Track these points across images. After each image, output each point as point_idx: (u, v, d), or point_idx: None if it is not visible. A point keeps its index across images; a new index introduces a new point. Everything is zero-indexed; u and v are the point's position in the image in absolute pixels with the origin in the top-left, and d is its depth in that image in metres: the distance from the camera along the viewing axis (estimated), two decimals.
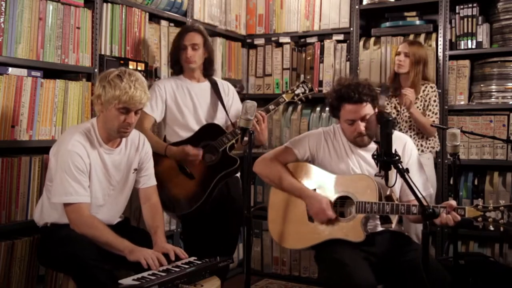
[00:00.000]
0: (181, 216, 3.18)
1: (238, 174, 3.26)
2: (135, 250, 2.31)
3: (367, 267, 2.36)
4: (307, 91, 3.20)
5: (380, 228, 2.58)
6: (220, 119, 3.22)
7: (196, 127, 3.12)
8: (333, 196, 2.56)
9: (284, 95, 3.15)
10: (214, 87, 3.24)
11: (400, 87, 3.48)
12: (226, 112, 3.22)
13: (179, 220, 3.46)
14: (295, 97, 3.17)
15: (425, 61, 3.47)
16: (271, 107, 3.09)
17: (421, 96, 3.43)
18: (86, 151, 2.41)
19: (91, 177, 2.43)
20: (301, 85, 3.20)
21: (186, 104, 3.15)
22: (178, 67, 3.21)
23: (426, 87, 3.45)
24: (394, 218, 2.58)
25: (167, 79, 3.28)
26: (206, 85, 3.24)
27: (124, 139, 2.56)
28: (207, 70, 3.25)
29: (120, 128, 2.43)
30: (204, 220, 3.11)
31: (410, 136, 3.37)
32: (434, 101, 3.43)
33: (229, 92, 3.31)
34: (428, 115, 3.40)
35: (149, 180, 2.71)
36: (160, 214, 2.68)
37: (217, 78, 3.35)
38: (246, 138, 2.48)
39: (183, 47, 3.13)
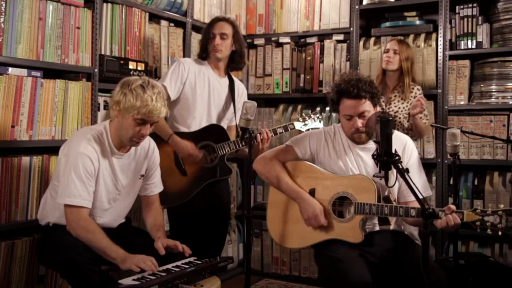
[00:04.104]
0: (168, 210, 3.19)
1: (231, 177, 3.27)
2: (127, 259, 2.29)
3: (362, 264, 2.35)
4: (316, 125, 3.24)
5: (378, 228, 2.58)
6: (227, 118, 3.23)
7: (202, 118, 3.12)
8: (331, 196, 2.56)
9: (294, 123, 3.19)
10: (231, 85, 3.25)
11: (386, 86, 3.48)
12: (235, 112, 3.22)
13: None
14: (303, 127, 3.21)
15: (412, 61, 3.48)
16: (279, 130, 3.12)
17: (408, 97, 3.44)
18: (97, 154, 2.40)
19: (98, 181, 2.43)
20: (313, 117, 3.23)
21: (202, 94, 3.14)
22: (205, 54, 3.20)
23: (413, 88, 3.47)
24: (392, 220, 2.58)
25: (192, 60, 3.24)
26: (225, 81, 3.25)
27: None
28: (236, 62, 3.24)
29: (133, 138, 2.42)
30: (192, 218, 3.12)
31: None
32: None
33: (242, 95, 3.33)
34: (421, 118, 3.37)
35: (156, 187, 2.72)
36: (162, 217, 2.70)
37: (235, 78, 3.35)
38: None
39: (212, 35, 3.14)
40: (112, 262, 2.32)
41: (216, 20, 3.19)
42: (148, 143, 2.65)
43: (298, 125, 3.20)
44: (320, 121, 3.25)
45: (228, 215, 3.39)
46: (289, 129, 3.16)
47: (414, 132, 3.38)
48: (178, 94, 3.10)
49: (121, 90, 2.39)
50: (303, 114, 3.29)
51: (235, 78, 3.32)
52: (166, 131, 3.00)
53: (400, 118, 3.42)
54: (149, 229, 2.64)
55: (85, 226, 2.34)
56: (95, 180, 2.41)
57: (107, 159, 2.46)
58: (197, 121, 3.12)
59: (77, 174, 2.34)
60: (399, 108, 3.44)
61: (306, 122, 3.21)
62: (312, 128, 3.20)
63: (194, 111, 3.11)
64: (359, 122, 2.55)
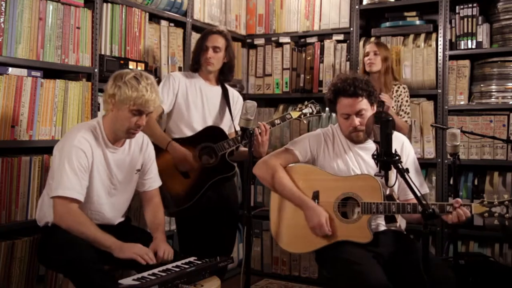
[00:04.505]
0: (173, 214, 3.19)
1: (236, 178, 3.26)
2: (124, 247, 2.31)
3: (378, 266, 2.35)
4: (314, 112, 3.20)
5: (382, 228, 2.58)
6: (225, 125, 3.23)
7: (199, 128, 3.12)
8: (337, 197, 2.54)
9: (291, 112, 3.16)
10: (225, 93, 3.25)
11: None
12: (232, 119, 3.22)
13: (169, 217, 3.46)
14: (302, 116, 3.18)
15: (391, 61, 3.56)
16: (277, 121, 3.08)
17: (394, 96, 3.48)
18: (91, 148, 2.41)
19: (92, 174, 2.43)
20: (309, 105, 3.20)
21: (195, 103, 3.14)
22: (196, 65, 3.21)
23: (398, 87, 3.51)
24: (398, 218, 2.58)
25: (182, 73, 3.28)
26: (217, 89, 3.25)
27: (128, 139, 2.56)
28: (225, 75, 3.25)
29: (130, 129, 2.44)
30: (199, 221, 3.11)
31: None
32: (407, 101, 3.50)
33: (237, 102, 3.32)
34: (401, 115, 3.46)
35: (153, 182, 2.72)
36: (162, 213, 2.69)
37: (228, 86, 3.35)
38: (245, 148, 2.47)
39: (205, 48, 3.14)
40: (112, 262, 2.32)
41: (209, 33, 3.19)
42: (142, 138, 2.66)
43: (295, 115, 3.16)
44: (315, 108, 3.20)
45: (236, 216, 3.36)
46: (286, 119, 3.12)
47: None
48: (171, 106, 3.12)
49: (115, 83, 2.40)
50: (299, 104, 3.26)
51: (228, 86, 3.33)
52: (165, 139, 3.01)
53: (394, 110, 3.45)
54: (149, 227, 2.65)
55: (75, 218, 2.33)
56: (89, 174, 2.41)
57: (101, 153, 2.46)
58: (194, 131, 3.12)
59: (70, 166, 2.34)
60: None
61: (304, 111, 3.18)
62: (310, 115, 3.18)
63: (190, 120, 3.12)
64: (357, 121, 2.55)
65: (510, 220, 2.33)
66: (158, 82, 3.17)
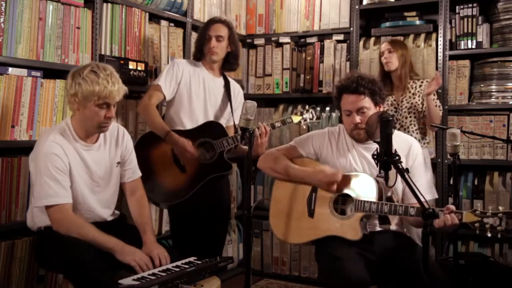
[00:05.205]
0: (168, 208, 3.19)
1: (233, 175, 3.27)
2: (125, 251, 2.31)
3: (360, 262, 2.36)
4: (314, 118, 3.25)
5: (378, 228, 2.58)
6: (224, 118, 3.23)
7: (200, 118, 3.12)
8: (334, 194, 2.57)
9: (292, 116, 3.20)
10: (227, 85, 3.25)
11: (392, 84, 3.52)
12: (232, 112, 3.22)
13: (159, 208, 3.46)
14: (302, 121, 3.22)
15: (408, 57, 3.53)
16: (277, 124, 3.11)
17: (418, 91, 3.47)
18: (63, 150, 2.37)
19: (72, 175, 2.40)
20: (310, 111, 3.24)
21: (197, 93, 3.14)
22: (199, 55, 3.21)
23: (422, 82, 3.49)
24: (393, 219, 2.58)
25: (186, 61, 3.26)
26: (220, 81, 3.25)
27: (102, 134, 2.54)
28: (231, 64, 3.25)
29: (101, 123, 2.41)
30: (192, 216, 3.11)
31: (411, 131, 3.41)
32: (434, 94, 3.45)
33: (238, 95, 3.33)
34: (434, 100, 3.42)
35: (133, 173, 2.69)
36: (147, 209, 2.66)
37: (231, 78, 3.36)
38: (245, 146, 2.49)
39: (208, 37, 3.14)
40: (113, 263, 2.31)
41: (212, 22, 3.19)
42: (117, 129, 2.63)
43: (296, 119, 3.20)
44: (316, 113, 3.24)
45: (228, 212, 3.38)
46: (287, 123, 3.15)
47: (426, 118, 3.40)
48: (173, 94, 3.10)
49: (74, 81, 2.37)
50: (300, 109, 3.27)
51: (230, 79, 3.33)
52: (163, 128, 2.99)
53: (420, 107, 3.44)
54: (136, 226, 2.62)
55: (75, 222, 2.33)
56: (68, 175, 2.39)
57: (75, 153, 2.43)
58: (194, 121, 3.12)
59: (48, 175, 2.31)
60: (416, 99, 3.46)
61: (304, 116, 3.21)
62: (310, 120, 3.23)
63: (191, 111, 3.11)
64: (358, 118, 2.56)
65: (502, 232, 2.16)
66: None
